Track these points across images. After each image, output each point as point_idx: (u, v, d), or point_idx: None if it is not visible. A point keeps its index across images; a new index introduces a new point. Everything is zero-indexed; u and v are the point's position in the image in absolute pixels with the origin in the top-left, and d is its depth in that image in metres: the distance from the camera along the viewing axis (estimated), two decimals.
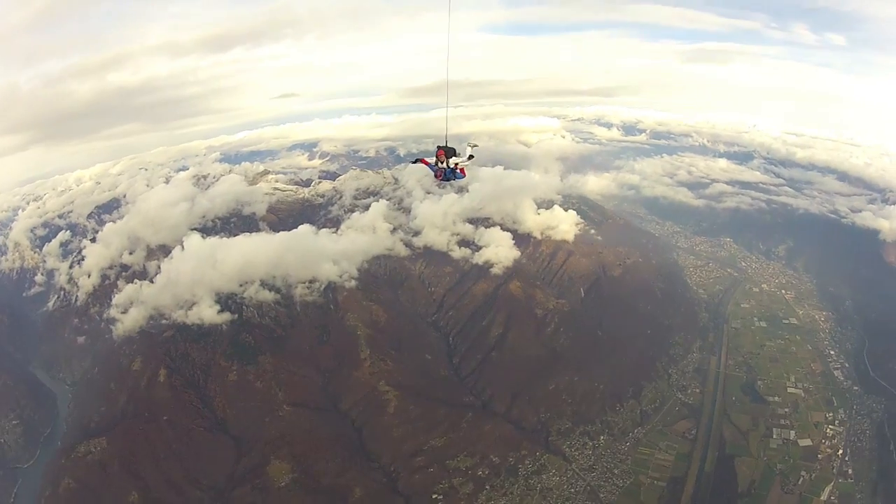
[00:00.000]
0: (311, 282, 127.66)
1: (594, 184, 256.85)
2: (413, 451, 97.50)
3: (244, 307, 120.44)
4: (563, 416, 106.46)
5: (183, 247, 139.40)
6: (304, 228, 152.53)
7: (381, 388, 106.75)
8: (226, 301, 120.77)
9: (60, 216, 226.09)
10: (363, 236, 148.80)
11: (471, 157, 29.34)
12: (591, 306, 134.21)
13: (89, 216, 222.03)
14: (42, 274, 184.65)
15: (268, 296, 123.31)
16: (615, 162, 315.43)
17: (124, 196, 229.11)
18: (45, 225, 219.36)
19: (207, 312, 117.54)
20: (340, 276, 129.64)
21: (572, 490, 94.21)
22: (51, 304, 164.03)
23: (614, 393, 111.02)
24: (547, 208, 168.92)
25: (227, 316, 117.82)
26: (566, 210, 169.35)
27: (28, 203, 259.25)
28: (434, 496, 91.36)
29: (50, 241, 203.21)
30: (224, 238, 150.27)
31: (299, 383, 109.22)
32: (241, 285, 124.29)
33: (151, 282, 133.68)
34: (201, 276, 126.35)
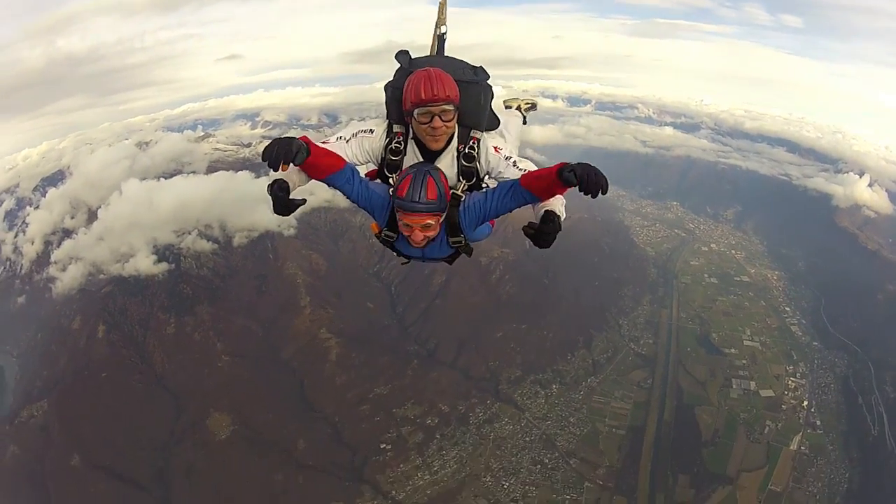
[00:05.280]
0: (249, 230, 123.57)
1: (539, 133, 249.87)
2: (357, 400, 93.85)
3: (182, 257, 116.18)
4: (512, 364, 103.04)
5: (121, 192, 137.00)
6: (243, 174, 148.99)
7: (321, 336, 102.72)
8: (163, 252, 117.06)
9: (7, 191, 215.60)
10: None
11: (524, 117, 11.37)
12: (537, 257, 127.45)
13: (35, 189, 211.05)
14: None
15: (206, 246, 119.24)
16: (560, 118, 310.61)
17: (69, 167, 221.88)
18: None
19: (144, 263, 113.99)
20: (279, 226, 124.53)
21: (527, 439, 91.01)
22: None
23: (564, 342, 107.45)
24: None
25: (164, 266, 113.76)
26: None
27: None
28: (382, 446, 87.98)
29: None
30: (162, 181, 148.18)
31: (238, 333, 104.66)
32: (178, 235, 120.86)
33: (88, 228, 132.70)
34: (138, 221, 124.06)
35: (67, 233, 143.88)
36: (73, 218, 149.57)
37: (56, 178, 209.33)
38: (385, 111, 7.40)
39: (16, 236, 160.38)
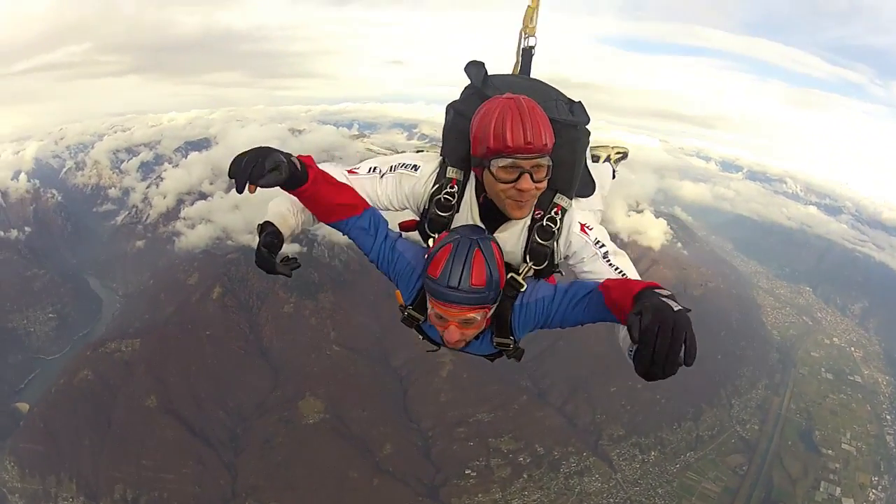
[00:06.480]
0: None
1: (690, 190, 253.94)
2: (456, 421, 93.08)
3: (315, 244, 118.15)
4: (618, 422, 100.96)
5: None
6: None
7: (438, 351, 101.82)
8: (297, 234, 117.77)
9: (146, 145, 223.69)
10: None
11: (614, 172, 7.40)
12: None
13: (177, 150, 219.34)
14: (117, 189, 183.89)
15: (342, 238, 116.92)
16: (711, 179, 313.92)
17: (215, 137, 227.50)
18: (128, 150, 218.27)
19: None
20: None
21: (612, 500, 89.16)
22: (119, 219, 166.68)
23: (674, 410, 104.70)
24: (638, 212, 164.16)
25: (295, 248, 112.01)
26: (657, 218, 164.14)
27: (116, 132, 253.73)
28: (467, 471, 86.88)
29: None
30: None
31: (356, 328, 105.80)
32: (317, 221, 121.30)
33: (225, 195, 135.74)
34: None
35: (203, 195, 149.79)
36: (211, 184, 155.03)
37: (201, 144, 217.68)
38: (441, 142, 5.14)
39: (148, 187, 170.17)
